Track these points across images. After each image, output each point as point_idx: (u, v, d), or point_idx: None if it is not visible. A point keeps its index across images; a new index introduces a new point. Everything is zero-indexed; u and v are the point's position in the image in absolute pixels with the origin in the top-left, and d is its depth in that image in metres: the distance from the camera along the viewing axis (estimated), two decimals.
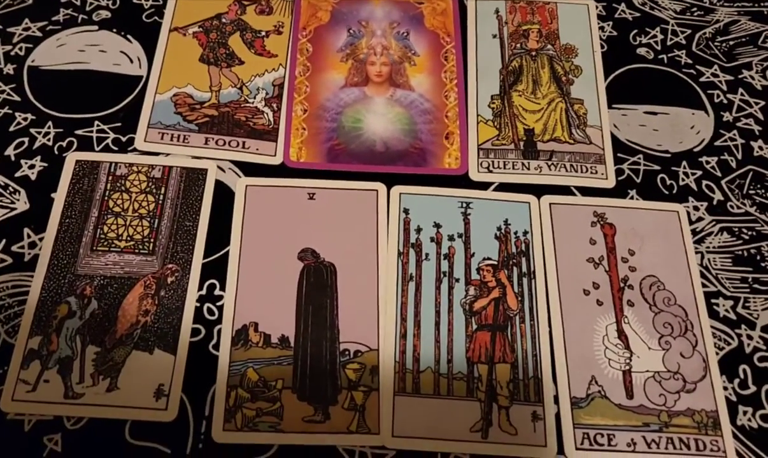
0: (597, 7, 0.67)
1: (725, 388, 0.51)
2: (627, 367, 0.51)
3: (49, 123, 0.59)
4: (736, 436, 0.49)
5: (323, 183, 0.57)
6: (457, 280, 0.53)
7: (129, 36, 0.63)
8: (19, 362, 0.49)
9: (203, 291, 0.53)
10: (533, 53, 0.64)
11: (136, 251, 0.53)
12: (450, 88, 0.62)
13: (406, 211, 0.56)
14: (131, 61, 0.62)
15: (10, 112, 0.59)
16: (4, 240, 0.54)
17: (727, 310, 0.54)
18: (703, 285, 0.54)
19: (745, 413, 0.50)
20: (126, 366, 0.49)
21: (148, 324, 0.51)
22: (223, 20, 0.64)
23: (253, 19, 0.65)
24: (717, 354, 0.52)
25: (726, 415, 0.50)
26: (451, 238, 0.55)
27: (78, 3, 0.65)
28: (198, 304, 0.52)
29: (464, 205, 0.56)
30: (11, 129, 0.58)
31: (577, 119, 0.61)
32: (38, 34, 0.63)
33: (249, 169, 0.58)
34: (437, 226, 0.55)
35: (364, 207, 0.56)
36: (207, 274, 0.53)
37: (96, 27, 0.64)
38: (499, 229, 0.56)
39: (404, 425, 0.48)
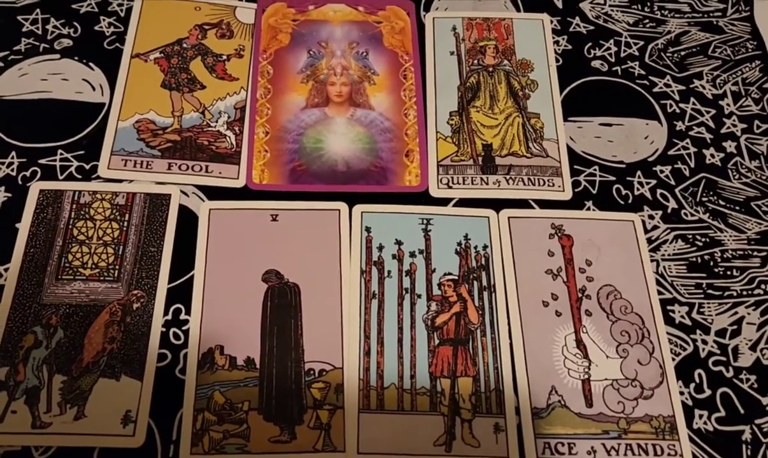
0: (552, 22, 0.69)
1: (681, 393, 0.52)
2: (586, 376, 0.52)
3: (13, 153, 0.59)
4: (693, 440, 0.51)
5: (286, 204, 0.58)
6: (419, 296, 0.55)
7: (91, 64, 0.64)
8: None
9: (169, 316, 0.53)
10: (490, 69, 0.65)
11: (101, 279, 0.54)
12: (409, 106, 0.63)
13: (368, 229, 0.57)
14: (93, 89, 0.63)
15: None
16: None
17: (682, 316, 0.55)
18: (659, 293, 0.56)
19: (701, 416, 0.52)
20: (93, 394, 0.50)
21: (114, 351, 0.51)
22: (184, 45, 0.65)
23: (214, 43, 0.66)
24: (673, 359, 0.53)
25: (683, 420, 0.51)
26: (412, 255, 0.56)
27: (39, 32, 0.65)
28: (164, 329, 0.53)
29: (425, 221, 0.58)
30: None
31: (534, 133, 0.62)
32: (0, 64, 0.63)
33: (212, 193, 0.58)
34: (399, 243, 0.57)
35: (327, 226, 0.57)
36: (172, 299, 0.54)
37: (58, 55, 0.64)
38: (459, 244, 0.57)
39: (369, 442, 0.49)
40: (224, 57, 0.65)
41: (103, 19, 0.66)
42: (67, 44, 0.65)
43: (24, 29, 0.65)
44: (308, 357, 0.52)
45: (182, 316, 0.53)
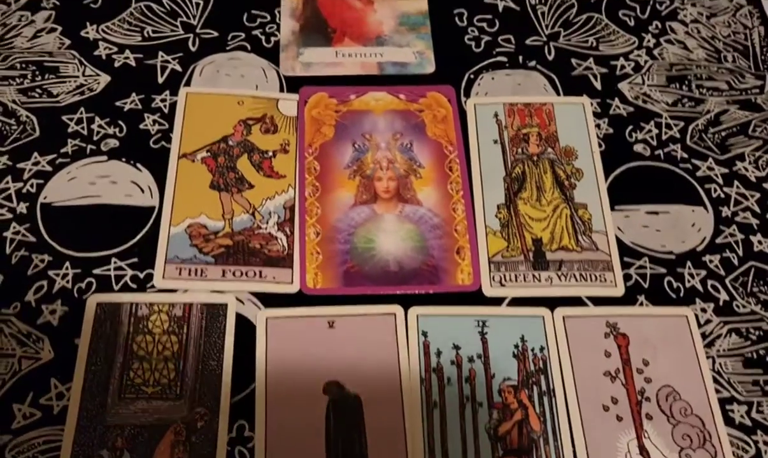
0: (592, 104, 0.69)
1: None
2: None
3: (67, 263, 0.59)
4: None
5: (342, 309, 0.58)
6: (480, 404, 0.55)
7: (138, 165, 0.64)
8: None
9: (233, 433, 0.53)
10: (534, 158, 0.66)
11: (164, 397, 0.54)
12: (457, 200, 0.64)
13: (424, 334, 0.57)
14: (142, 191, 0.63)
15: (27, 254, 0.60)
16: (31, 393, 0.54)
17: (742, 416, 0.55)
18: (717, 391, 0.56)
19: None
20: None
21: None
22: (230, 142, 0.66)
23: (259, 138, 0.66)
24: None
25: None
26: (470, 360, 0.57)
27: (85, 133, 0.65)
28: (229, 448, 0.53)
29: (480, 323, 0.58)
30: (29, 272, 0.59)
31: (583, 225, 0.62)
32: (48, 168, 0.64)
33: (267, 299, 0.59)
34: (456, 347, 0.57)
35: (384, 331, 0.57)
36: (235, 415, 0.54)
37: (105, 157, 0.65)
38: (516, 346, 0.57)
39: None
40: (270, 153, 0.65)
41: (148, 117, 0.67)
42: (114, 145, 0.65)
43: (69, 130, 0.66)
44: None
45: (246, 433, 0.53)
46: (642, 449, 0.53)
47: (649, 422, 0.54)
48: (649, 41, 0.74)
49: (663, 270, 0.61)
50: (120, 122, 0.66)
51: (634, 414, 0.55)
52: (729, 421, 0.55)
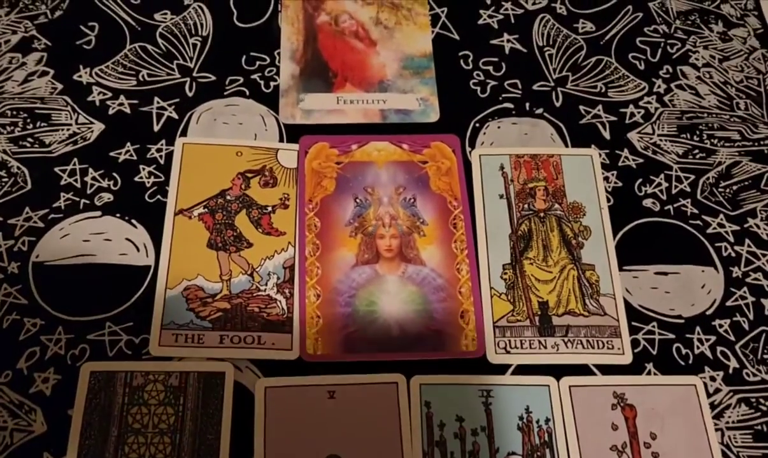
0: (600, 155, 0.67)
1: None
2: None
3: (60, 328, 0.58)
4: None
5: (342, 378, 0.57)
6: None
7: (133, 221, 0.62)
8: None
9: None
10: (541, 214, 0.64)
11: None
12: (461, 259, 0.62)
13: (427, 404, 0.56)
14: (138, 250, 0.61)
15: (18, 317, 0.58)
16: None
17: None
18: None
19: None
20: None
21: None
22: (228, 197, 0.64)
23: (257, 192, 0.64)
24: None
25: None
26: (474, 432, 0.55)
27: (79, 185, 0.64)
28: None
29: (485, 393, 0.57)
30: (21, 337, 0.57)
31: (590, 288, 0.61)
32: (40, 224, 0.62)
33: (266, 366, 0.57)
34: (460, 419, 0.56)
35: (386, 401, 0.56)
36: None
37: (99, 212, 0.63)
38: (521, 417, 0.56)
39: None
40: (269, 209, 0.64)
41: (143, 168, 0.65)
42: (108, 199, 0.63)
43: (62, 182, 0.64)
44: None
45: None
46: None
47: None
48: (659, 87, 0.72)
49: (672, 336, 0.60)
50: (114, 174, 0.64)
51: None
52: None
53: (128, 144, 0.66)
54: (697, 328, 0.60)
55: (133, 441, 0.54)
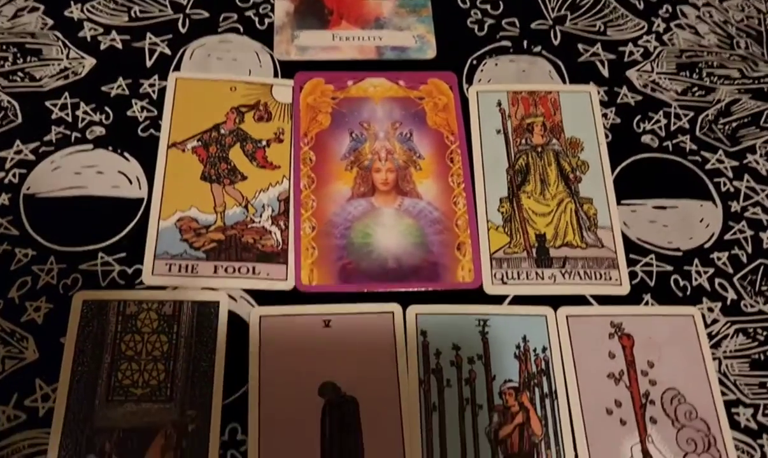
0: (599, 92, 0.67)
1: None
2: None
3: (52, 258, 0.57)
4: None
5: (338, 308, 0.56)
6: (480, 407, 0.53)
7: (126, 154, 0.62)
8: None
9: (225, 437, 0.52)
10: (539, 149, 0.63)
11: (154, 399, 0.52)
12: (458, 193, 0.61)
13: (423, 334, 0.55)
14: (130, 182, 0.61)
15: (10, 248, 0.57)
16: (15, 394, 0.52)
17: (747, 419, 0.54)
18: (723, 394, 0.55)
19: None
20: None
21: None
22: (222, 131, 0.63)
23: (252, 127, 0.63)
24: None
25: None
26: (471, 361, 0.55)
27: (70, 120, 0.63)
28: (221, 451, 0.51)
29: (481, 322, 0.56)
30: (12, 267, 0.57)
31: (588, 220, 0.60)
32: (31, 156, 0.61)
33: (261, 296, 0.57)
34: (456, 348, 0.55)
35: (381, 331, 0.56)
36: (227, 418, 0.52)
37: (91, 146, 0.62)
38: (518, 346, 0.55)
39: None
40: (264, 143, 0.63)
41: (136, 103, 0.64)
42: (100, 133, 0.62)
43: (53, 116, 0.63)
44: None
45: (239, 436, 0.52)
46: (645, 453, 0.52)
47: (653, 426, 0.53)
48: (659, 26, 0.71)
49: (670, 268, 0.59)
50: (106, 108, 0.63)
51: (638, 418, 0.53)
52: (734, 425, 0.54)
53: (120, 79, 0.65)
54: (696, 261, 0.60)
55: (126, 368, 0.53)
